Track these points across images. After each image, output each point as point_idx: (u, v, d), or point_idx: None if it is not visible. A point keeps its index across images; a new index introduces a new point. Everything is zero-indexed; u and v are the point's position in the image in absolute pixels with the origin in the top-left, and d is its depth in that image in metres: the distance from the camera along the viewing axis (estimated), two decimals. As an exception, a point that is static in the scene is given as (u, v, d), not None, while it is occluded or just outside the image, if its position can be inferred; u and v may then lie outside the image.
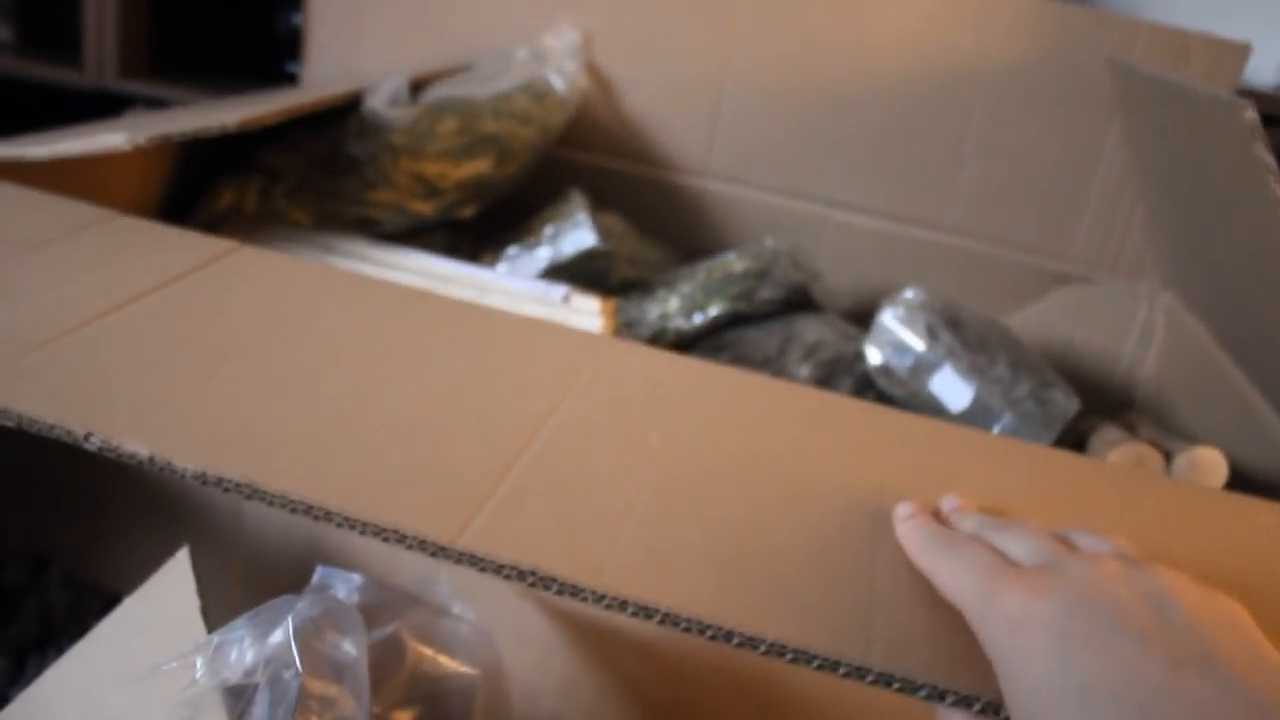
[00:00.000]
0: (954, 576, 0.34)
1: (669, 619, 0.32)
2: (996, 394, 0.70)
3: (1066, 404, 0.71)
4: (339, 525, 0.34)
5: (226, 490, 0.34)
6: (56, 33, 1.32)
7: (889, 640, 0.33)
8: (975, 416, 0.70)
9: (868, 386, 0.75)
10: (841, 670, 0.32)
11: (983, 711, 0.31)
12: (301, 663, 0.37)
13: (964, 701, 0.31)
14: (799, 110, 0.91)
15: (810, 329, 0.77)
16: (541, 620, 0.50)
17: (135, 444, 0.35)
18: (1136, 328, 0.88)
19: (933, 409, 0.71)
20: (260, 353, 0.43)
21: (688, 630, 0.32)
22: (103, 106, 0.87)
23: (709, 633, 0.32)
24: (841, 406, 0.50)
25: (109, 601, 0.49)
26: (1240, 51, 0.82)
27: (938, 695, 0.32)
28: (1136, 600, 0.30)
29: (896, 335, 0.73)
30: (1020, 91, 0.87)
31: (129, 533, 0.59)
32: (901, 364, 0.72)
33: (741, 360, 0.75)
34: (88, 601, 0.59)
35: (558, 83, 0.86)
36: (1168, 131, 0.73)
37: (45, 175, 0.58)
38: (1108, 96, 0.85)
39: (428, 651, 0.45)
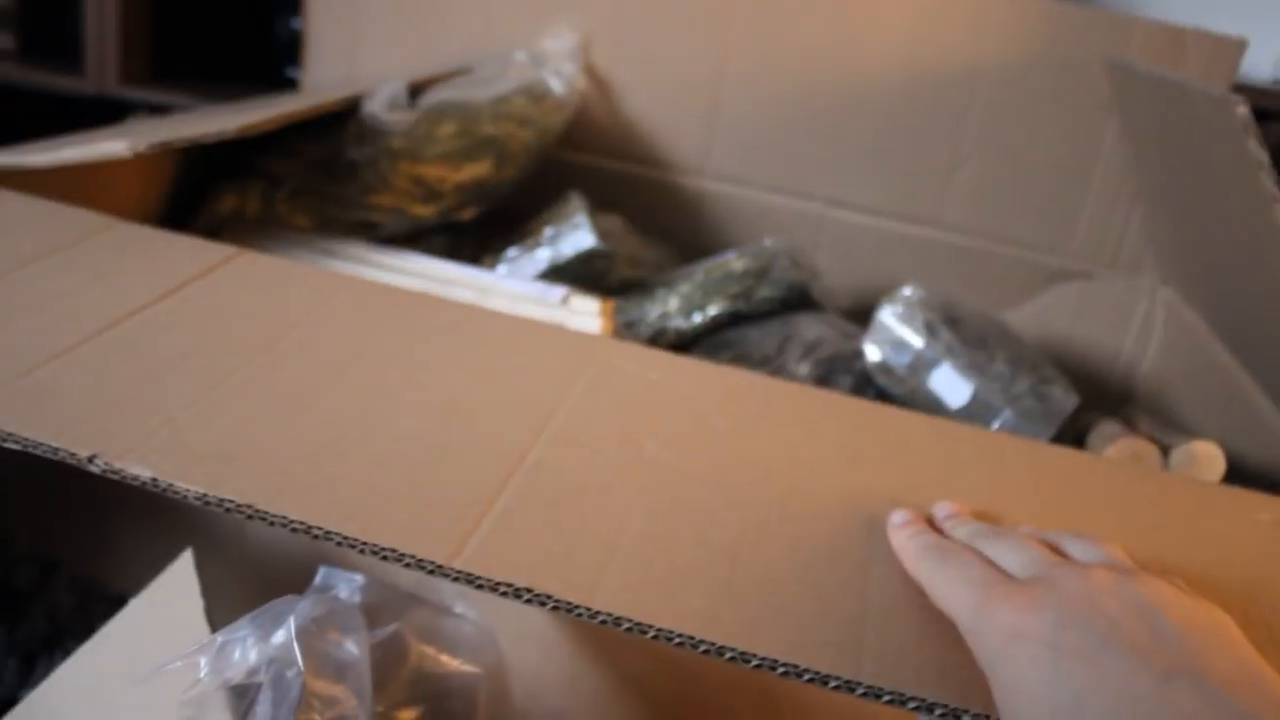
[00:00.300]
0: (948, 588, 0.35)
1: (662, 635, 0.33)
2: (995, 391, 0.70)
3: (1065, 400, 0.71)
4: (339, 545, 0.34)
5: (228, 511, 0.35)
6: (58, 40, 1.33)
7: (880, 653, 0.33)
8: (974, 413, 0.71)
9: (867, 384, 0.75)
10: (832, 684, 0.32)
11: None
12: (304, 662, 0.38)
13: (953, 714, 0.32)
14: (797, 110, 0.91)
15: (809, 327, 0.77)
16: (543, 618, 0.51)
17: (138, 467, 0.36)
18: (1135, 323, 0.88)
19: (932, 406, 0.72)
20: (262, 365, 0.43)
21: (680, 646, 0.33)
22: (104, 113, 0.87)
23: (701, 648, 0.33)
24: (840, 406, 0.50)
25: (115, 604, 0.49)
26: (1236, 47, 0.82)
27: (927, 708, 0.32)
28: (1128, 613, 0.30)
29: (895, 333, 0.73)
30: (1018, 89, 0.87)
31: (134, 536, 0.60)
32: (900, 361, 0.72)
33: (741, 359, 0.75)
34: (94, 604, 0.60)
35: (556, 85, 0.86)
36: (1164, 128, 0.74)
37: (47, 182, 0.58)
38: (1105, 93, 0.85)
39: (430, 650, 0.45)
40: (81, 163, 0.58)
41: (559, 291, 0.72)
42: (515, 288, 0.72)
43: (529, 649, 0.51)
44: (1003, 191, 0.90)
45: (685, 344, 0.79)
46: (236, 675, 0.38)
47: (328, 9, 0.96)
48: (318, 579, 0.44)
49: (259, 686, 0.38)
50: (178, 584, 0.47)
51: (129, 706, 0.42)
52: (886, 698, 0.32)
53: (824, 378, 0.74)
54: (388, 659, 0.43)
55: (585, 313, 0.70)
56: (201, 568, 0.48)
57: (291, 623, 0.39)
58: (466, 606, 0.48)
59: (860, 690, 0.32)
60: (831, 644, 0.34)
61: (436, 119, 0.80)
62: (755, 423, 0.46)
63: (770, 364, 0.75)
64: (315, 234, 0.77)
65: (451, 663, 0.46)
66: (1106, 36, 0.84)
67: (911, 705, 0.32)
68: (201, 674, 0.38)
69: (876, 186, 0.92)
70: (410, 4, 0.94)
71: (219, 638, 0.39)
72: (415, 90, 0.84)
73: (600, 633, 0.51)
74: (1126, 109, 0.82)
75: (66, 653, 0.46)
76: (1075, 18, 0.84)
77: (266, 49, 1.32)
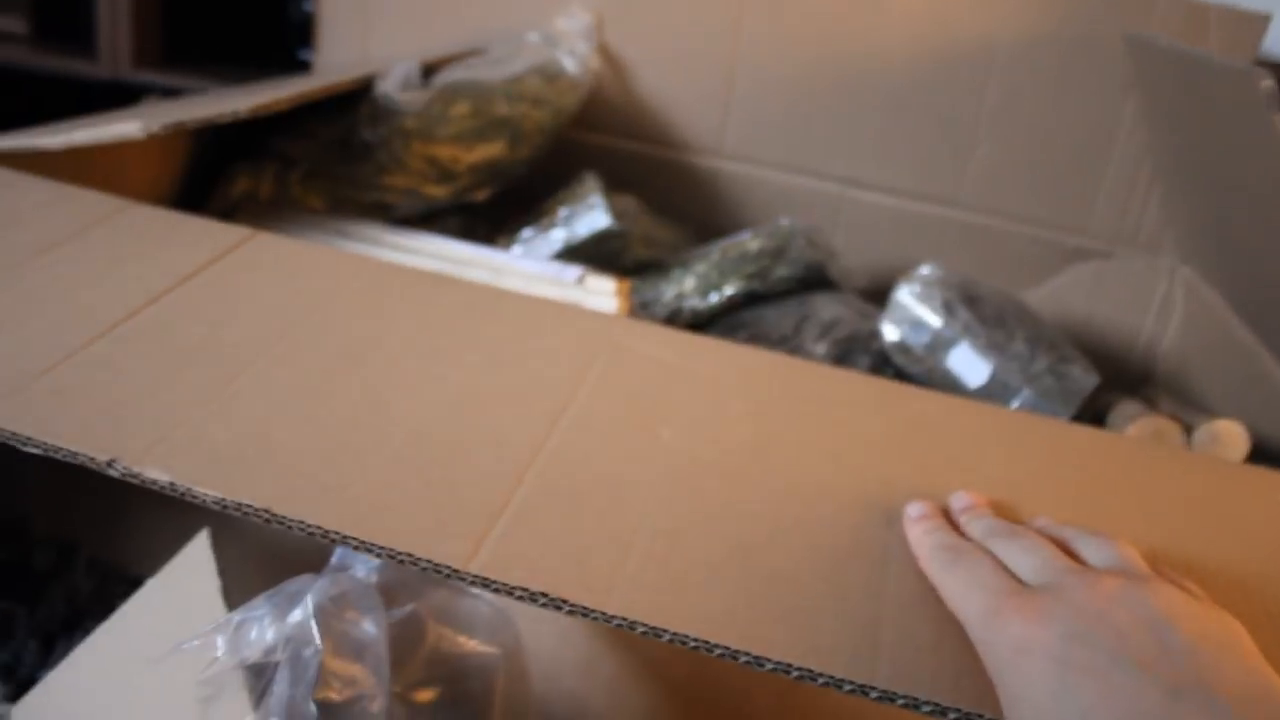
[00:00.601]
0: (960, 591, 0.34)
1: (677, 639, 0.33)
2: (1014, 370, 0.70)
3: (1085, 379, 0.71)
4: (355, 549, 0.34)
5: (245, 514, 0.35)
6: (70, 24, 1.33)
7: (895, 656, 0.33)
8: (993, 393, 0.70)
9: (885, 364, 0.75)
10: (846, 688, 0.32)
11: None
12: (322, 641, 0.38)
13: (966, 718, 0.32)
14: (812, 89, 0.90)
15: (826, 307, 0.77)
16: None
17: (156, 470, 0.36)
18: (1156, 302, 0.87)
19: (950, 385, 0.71)
20: (276, 357, 0.43)
21: (695, 649, 0.33)
22: (117, 97, 0.87)
23: (716, 652, 0.33)
24: (858, 386, 0.50)
25: (134, 585, 0.49)
26: (1260, 22, 0.81)
27: (940, 712, 0.32)
28: (1137, 627, 0.30)
29: (913, 312, 0.72)
30: (1036, 65, 0.86)
31: (152, 517, 0.60)
32: (918, 341, 0.72)
33: (758, 339, 0.75)
34: (113, 585, 0.60)
35: (570, 65, 0.86)
36: (1185, 104, 0.73)
37: (61, 165, 0.58)
38: (1124, 70, 0.84)
39: (447, 631, 0.45)
40: (95, 144, 0.58)
41: (574, 271, 0.71)
42: (530, 268, 0.71)
43: (547, 630, 0.51)
44: (1021, 170, 0.89)
45: (701, 324, 0.79)
46: (254, 654, 0.38)
47: (340, -10, 0.96)
48: (334, 558, 0.44)
49: (276, 665, 0.38)
50: (194, 564, 0.47)
51: (146, 686, 0.42)
52: (901, 702, 0.32)
53: (841, 357, 0.74)
54: (405, 639, 0.43)
55: (601, 293, 0.69)
56: (218, 547, 0.48)
57: (309, 601, 0.39)
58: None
59: (875, 694, 0.32)
60: (847, 647, 0.33)
61: (450, 99, 0.80)
62: (773, 405, 0.46)
63: (787, 344, 0.74)
64: (329, 215, 0.77)
65: (469, 643, 0.45)
66: (1126, 12, 0.82)
67: (926, 709, 0.32)
68: (219, 653, 0.38)
69: (893, 166, 0.91)
70: (423, -16, 0.94)
71: (236, 617, 0.39)
72: (428, 71, 0.84)
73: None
74: (1146, 85, 0.81)
75: (85, 634, 0.46)
76: (1095, -8, 0.83)
77: (279, 31, 1.32)
